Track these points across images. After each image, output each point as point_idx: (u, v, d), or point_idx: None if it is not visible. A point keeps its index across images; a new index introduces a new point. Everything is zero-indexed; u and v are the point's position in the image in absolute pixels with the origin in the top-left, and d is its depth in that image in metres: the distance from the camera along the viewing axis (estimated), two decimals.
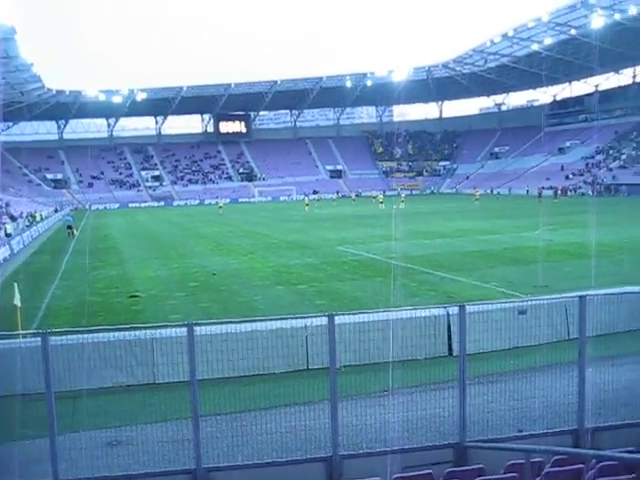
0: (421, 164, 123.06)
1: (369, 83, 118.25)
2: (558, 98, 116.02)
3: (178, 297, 20.17)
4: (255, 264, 27.14)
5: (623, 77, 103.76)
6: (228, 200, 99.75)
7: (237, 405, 10.21)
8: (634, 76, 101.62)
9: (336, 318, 8.35)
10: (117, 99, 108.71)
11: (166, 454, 8.62)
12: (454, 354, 12.21)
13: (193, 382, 7.99)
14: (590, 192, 78.72)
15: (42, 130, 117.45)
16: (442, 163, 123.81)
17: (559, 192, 76.04)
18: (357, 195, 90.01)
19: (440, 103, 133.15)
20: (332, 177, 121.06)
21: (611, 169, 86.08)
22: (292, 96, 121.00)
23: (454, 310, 11.79)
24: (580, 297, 8.79)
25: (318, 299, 18.80)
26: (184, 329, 8.28)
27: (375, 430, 9.00)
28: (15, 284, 14.51)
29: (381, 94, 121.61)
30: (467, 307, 8.88)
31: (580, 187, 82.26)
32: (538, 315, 12.34)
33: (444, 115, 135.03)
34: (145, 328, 12.28)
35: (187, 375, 8.35)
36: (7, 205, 63.78)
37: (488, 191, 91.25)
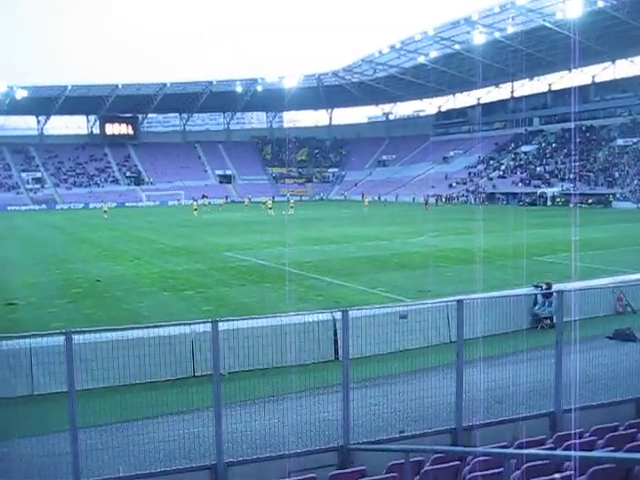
0: (311, 171, 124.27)
1: (260, 89, 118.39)
2: (443, 109, 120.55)
3: (59, 304, 19.43)
4: (141, 270, 26.55)
5: (503, 91, 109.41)
6: (114, 204, 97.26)
7: (121, 415, 9.97)
8: (512, 91, 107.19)
9: (221, 324, 8.31)
10: None
11: (44, 469, 8.30)
12: (340, 359, 12.40)
13: (71, 393, 7.72)
14: (472, 200, 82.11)
15: None
16: (331, 170, 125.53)
17: (442, 200, 78.99)
18: (250, 200, 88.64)
19: (330, 110, 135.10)
20: (221, 182, 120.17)
21: (491, 178, 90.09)
22: (182, 99, 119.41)
23: (339, 315, 12.00)
24: (458, 301, 9.14)
25: (205, 305, 18.63)
26: (61, 337, 7.99)
27: (261, 436, 9.01)
28: None
29: (272, 100, 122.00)
30: (350, 312, 9.04)
31: (464, 195, 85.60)
32: (420, 319, 12.73)
33: (334, 122, 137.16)
34: (20, 337, 11.74)
35: (66, 385, 8.06)
36: None
37: (376, 198, 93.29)
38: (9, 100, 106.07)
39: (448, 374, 9.64)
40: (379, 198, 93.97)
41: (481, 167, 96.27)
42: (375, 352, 12.28)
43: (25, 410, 10.33)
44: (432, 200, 67.20)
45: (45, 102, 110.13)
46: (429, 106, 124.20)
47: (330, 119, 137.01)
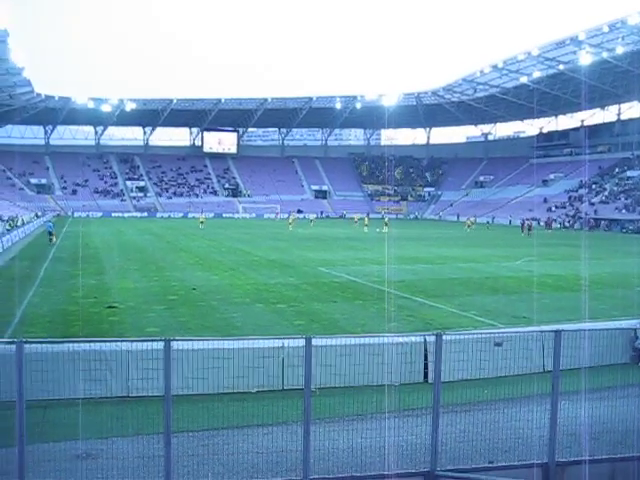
0: (406, 189, 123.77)
1: (359, 106, 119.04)
2: (544, 131, 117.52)
3: (156, 310, 20.04)
4: (235, 281, 27.06)
5: (608, 114, 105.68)
6: (212, 214, 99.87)
7: (210, 423, 10.16)
8: (619, 113, 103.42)
9: (313, 340, 8.36)
10: (106, 108, 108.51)
11: (136, 469, 8.55)
12: (429, 381, 12.24)
13: (167, 398, 7.95)
14: (573, 225, 79.51)
15: (29, 134, 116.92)
16: (427, 189, 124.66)
17: (541, 224, 76.67)
18: (359, 217, 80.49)
19: (428, 129, 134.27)
20: (317, 197, 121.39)
21: (593, 203, 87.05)
22: (281, 114, 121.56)
23: (431, 338, 11.85)
24: (556, 331, 8.87)
25: (297, 319, 18.78)
26: (161, 343, 8.25)
27: (347, 454, 8.98)
28: None
29: (370, 117, 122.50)
30: (444, 336, 8.93)
31: (568, 220, 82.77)
32: (514, 347, 12.41)
33: (431, 142, 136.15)
34: (122, 341, 12.21)
35: (161, 390, 8.30)
36: None
37: (472, 219, 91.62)
38: (118, 112, 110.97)
39: (541, 405, 9.35)
40: (475, 219, 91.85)
41: (582, 191, 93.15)
42: (465, 377, 12.05)
43: (120, 411, 10.70)
44: (527, 223, 65.27)
45: (151, 114, 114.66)
46: (530, 127, 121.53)
47: (428, 138, 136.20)
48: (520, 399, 10.78)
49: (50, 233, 45.96)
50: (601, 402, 10.35)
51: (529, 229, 59.71)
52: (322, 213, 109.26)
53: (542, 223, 78.81)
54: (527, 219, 73.64)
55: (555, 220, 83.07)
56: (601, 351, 12.85)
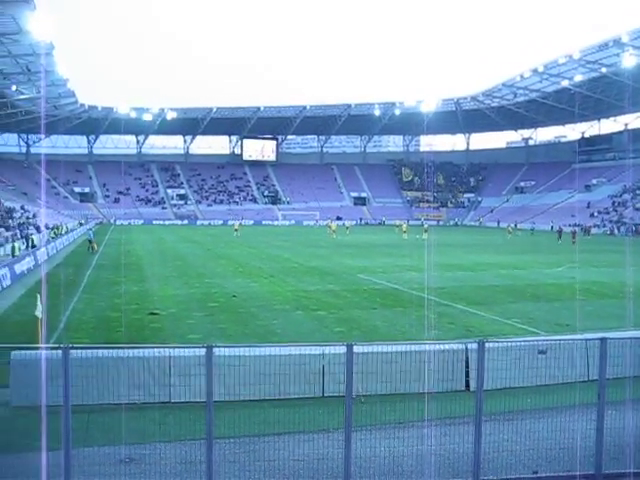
0: (445, 195, 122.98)
1: (397, 112, 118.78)
2: (586, 135, 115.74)
3: (197, 317, 20.22)
4: (275, 288, 27.16)
5: None
6: (252, 222, 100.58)
7: (251, 429, 10.20)
8: None
9: (354, 348, 8.35)
10: (147, 117, 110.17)
11: (179, 474, 8.63)
12: (471, 389, 12.11)
13: (209, 404, 8.01)
14: (616, 231, 77.97)
15: (72, 144, 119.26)
16: (467, 195, 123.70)
17: (582, 231, 74.67)
18: (399, 225, 75.93)
19: (467, 135, 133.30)
20: (356, 204, 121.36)
21: (638, 209, 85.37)
22: (320, 122, 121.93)
23: (473, 345, 11.73)
24: (601, 339, 8.71)
25: (337, 326, 18.76)
26: (203, 350, 8.33)
27: (388, 462, 8.93)
28: (38, 295, 14.65)
29: (409, 124, 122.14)
30: (486, 344, 8.83)
31: (611, 226, 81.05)
32: (558, 355, 12.21)
33: (471, 147, 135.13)
34: (165, 347, 12.35)
35: (203, 396, 8.37)
36: (34, 216, 64.68)
37: (512, 225, 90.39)
38: (160, 121, 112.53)
39: (586, 415, 9.17)
40: (515, 225, 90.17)
41: (627, 196, 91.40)
42: (508, 385, 11.89)
43: (163, 416, 10.80)
44: (572, 230, 63.67)
45: (192, 123, 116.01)
46: (572, 132, 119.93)
47: (467, 144, 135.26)
48: (564, 408, 10.59)
49: (90, 241, 46.60)
50: None
51: (573, 236, 58.40)
52: (361, 220, 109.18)
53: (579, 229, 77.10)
54: (561, 226, 71.80)
55: (597, 226, 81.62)
56: None
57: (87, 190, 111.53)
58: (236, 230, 68.82)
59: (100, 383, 10.52)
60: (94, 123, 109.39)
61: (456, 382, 12.44)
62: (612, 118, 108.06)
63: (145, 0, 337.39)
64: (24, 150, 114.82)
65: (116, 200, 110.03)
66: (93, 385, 10.31)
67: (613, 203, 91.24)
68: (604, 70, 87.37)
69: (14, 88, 73.30)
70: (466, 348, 12.66)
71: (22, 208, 67.05)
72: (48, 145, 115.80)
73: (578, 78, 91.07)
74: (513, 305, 22.99)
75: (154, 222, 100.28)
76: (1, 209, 58.24)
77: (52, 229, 57.47)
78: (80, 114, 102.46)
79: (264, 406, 11.19)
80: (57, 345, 9.89)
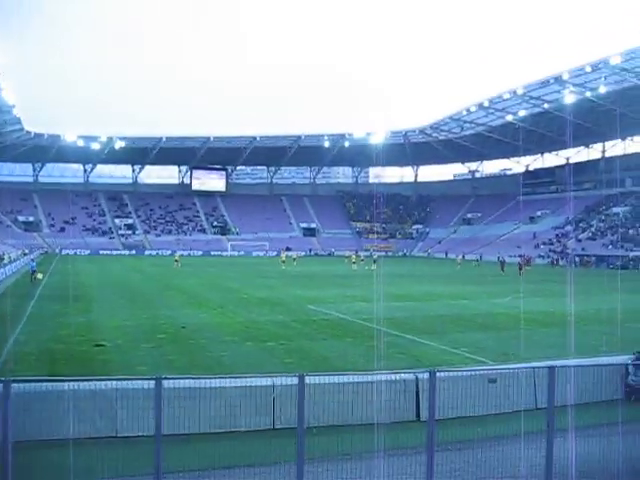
0: (394, 226, 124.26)
1: (346, 144, 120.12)
2: (531, 168, 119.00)
3: (145, 348, 19.85)
4: (225, 319, 26.91)
5: (593, 151, 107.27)
6: (200, 252, 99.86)
7: (201, 462, 10.00)
8: (603, 151, 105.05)
9: (306, 378, 8.30)
10: (95, 146, 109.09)
11: None
12: (421, 419, 12.13)
13: (158, 437, 7.85)
14: (560, 262, 79.71)
15: (17, 171, 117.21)
16: (415, 226, 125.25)
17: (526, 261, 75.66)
18: (352, 256, 74.41)
19: (415, 167, 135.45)
20: (305, 235, 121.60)
21: (580, 240, 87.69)
22: (270, 153, 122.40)
23: (423, 375, 11.78)
24: (549, 367, 8.85)
25: (287, 357, 18.64)
26: (151, 382, 8.16)
27: None
28: None
29: (358, 155, 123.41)
30: (437, 373, 8.88)
31: (556, 257, 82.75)
32: (507, 383, 12.35)
33: (419, 179, 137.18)
34: (111, 379, 12.05)
35: (151, 429, 8.18)
36: None
37: (460, 257, 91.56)
38: (107, 150, 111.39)
39: (535, 442, 9.27)
40: (463, 257, 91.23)
41: (569, 228, 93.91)
42: (458, 415, 11.95)
43: (109, 451, 10.50)
44: (520, 261, 64.71)
45: (140, 152, 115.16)
46: (516, 165, 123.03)
47: (415, 176, 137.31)
48: (514, 436, 10.68)
49: (33, 272, 45.44)
50: (594, 439, 10.29)
51: (520, 267, 59.32)
52: (310, 250, 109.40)
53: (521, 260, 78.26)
54: (504, 257, 72.72)
55: (542, 256, 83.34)
56: (593, 387, 12.81)
57: (32, 219, 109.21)
58: (176, 261, 67.55)
59: (43, 418, 10.19)
60: (40, 151, 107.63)
61: (407, 412, 12.45)
62: (555, 152, 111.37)
63: (93, 27, 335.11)
64: None
65: (62, 229, 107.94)
66: (36, 420, 9.99)
67: (557, 234, 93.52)
68: (546, 106, 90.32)
69: None
70: (416, 378, 12.70)
71: None
72: None
73: (522, 113, 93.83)
74: (462, 335, 23.22)
75: (101, 252, 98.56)
76: None
77: None
78: (25, 141, 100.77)
79: (214, 439, 11.00)
80: None
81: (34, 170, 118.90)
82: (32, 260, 55.56)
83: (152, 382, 8.20)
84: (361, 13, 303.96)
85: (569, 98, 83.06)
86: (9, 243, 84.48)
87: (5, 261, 57.57)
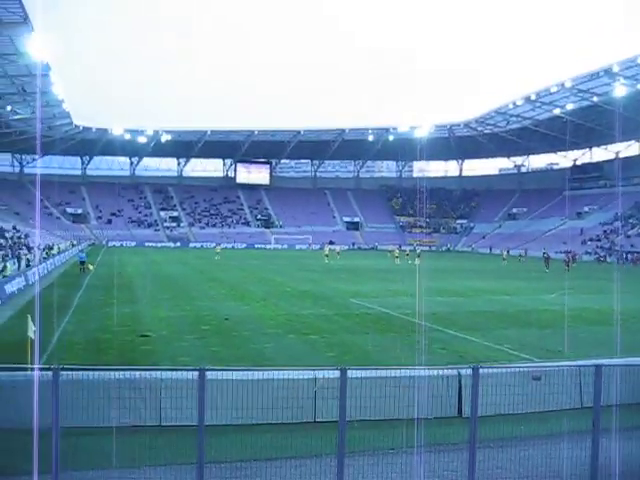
0: (438, 221, 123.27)
1: (391, 138, 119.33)
2: (578, 163, 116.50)
3: (189, 339, 20.10)
4: (268, 311, 27.06)
5: None
6: (244, 245, 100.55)
7: (242, 454, 10.09)
8: None
9: (348, 372, 8.30)
10: (142, 139, 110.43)
11: None
12: (463, 415, 12.04)
13: (201, 427, 7.94)
14: (608, 259, 78.05)
15: (66, 165, 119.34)
16: (459, 221, 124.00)
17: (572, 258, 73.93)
18: (394, 251, 72.73)
19: (460, 161, 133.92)
20: (349, 229, 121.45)
21: (629, 236, 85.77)
22: (314, 146, 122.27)
23: (466, 371, 11.68)
24: (596, 366, 8.68)
25: (329, 351, 18.67)
26: (195, 373, 8.26)
27: None
28: (29, 316, 14.54)
29: (402, 149, 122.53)
30: (480, 369, 8.79)
31: (603, 254, 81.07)
32: (552, 381, 12.16)
33: (464, 173, 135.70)
34: (156, 370, 12.24)
35: (194, 419, 8.28)
36: (26, 236, 64.43)
37: (505, 252, 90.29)
38: (154, 143, 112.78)
39: (580, 442, 9.12)
40: (508, 252, 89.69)
41: (618, 224, 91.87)
42: (501, 412, 11.81)
43: (153, 440, 10.66)
44: (567, 256, 63.40)
45: (186, 146, 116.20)
46: (563, 159, 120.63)
47: (460, 170, 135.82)
48: (558, 435, 10.52)
49: (82, 262, 46.25)
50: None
51: (567, 264, 58.01)
52: (354, 244, 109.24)
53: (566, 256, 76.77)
54: (549, 253, 71.14)
55: (589, 253, 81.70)
56: None
57: (80, 211, 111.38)
58: (217, 253, 68.55)
59: (90, 405, 10.39)
60: (88, 144, 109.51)
61: (448, 408, 12.36)
62: (603, 146, 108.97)
63: (143, 22, 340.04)
64: (17, 170, 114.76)
65: (109, 221, 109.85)
66: (82, 407, 10.19)
67: (604, 231, 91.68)
68: (595, 99, 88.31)
69: (9, 108, 73.55)
70: (459, 374, 12.60)
71: (14, 228, 66.83)
72: (42, 165, 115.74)
73: (570, 106, 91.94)
74: (505, 331, 22.96)
75: (146, 244, 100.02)
76: None
77: (44, 249, 57.20)
78: (74, 135, 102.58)
79: (256, 431, 11.08)
80: (47, 366, 9.76)
81: (82, 163, 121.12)
82: (81, 251, 56.70)
83: (196, 373, 8.29)
84: (411, 6, 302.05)
85: (619, 90, 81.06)
86: (58, 234, 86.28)
87: (54, 252, 58.83)
